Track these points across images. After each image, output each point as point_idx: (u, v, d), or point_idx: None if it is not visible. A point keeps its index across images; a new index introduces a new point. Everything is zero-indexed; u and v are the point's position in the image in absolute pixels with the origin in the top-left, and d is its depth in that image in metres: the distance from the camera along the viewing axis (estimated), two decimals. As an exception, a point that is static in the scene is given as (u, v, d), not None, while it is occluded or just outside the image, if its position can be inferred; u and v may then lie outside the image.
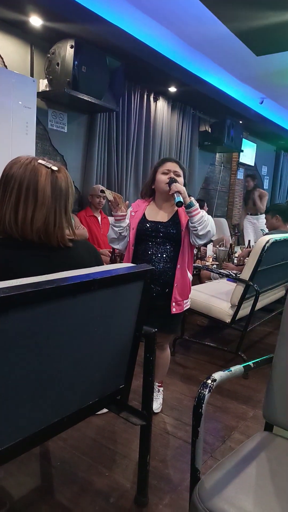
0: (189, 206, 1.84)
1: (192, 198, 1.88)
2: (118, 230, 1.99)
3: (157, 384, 2.18)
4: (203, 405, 0.94)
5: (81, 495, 1.51)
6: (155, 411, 2.10)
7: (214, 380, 0.98)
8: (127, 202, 2.04)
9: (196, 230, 1.87)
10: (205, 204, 4.94)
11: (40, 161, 1.17)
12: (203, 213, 1.89)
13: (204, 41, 3.88)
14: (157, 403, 2.14)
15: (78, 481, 1.58)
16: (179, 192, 1.83)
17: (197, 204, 1.89)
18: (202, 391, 0.96)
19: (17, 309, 0.93)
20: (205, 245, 4.12)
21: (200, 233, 1.88)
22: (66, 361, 1.15)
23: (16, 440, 1.09)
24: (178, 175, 1.95)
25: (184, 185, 1.97)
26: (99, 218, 3.88)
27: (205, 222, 1.87)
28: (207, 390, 0.96)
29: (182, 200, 1.81)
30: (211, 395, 2.34)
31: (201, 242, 1.97)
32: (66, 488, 1.54)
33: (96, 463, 1.70)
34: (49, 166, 1.16)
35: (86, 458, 1.72)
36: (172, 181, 1.88)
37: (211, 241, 4.28)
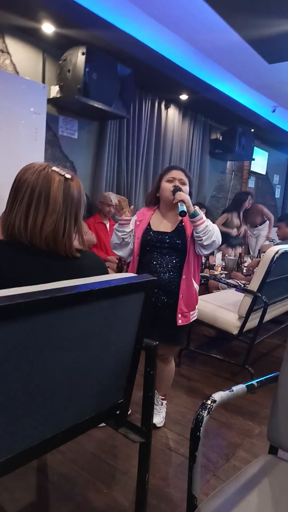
0: (193, 215, 1.80)
1: (197, 207, 1.83)
2: (121, 235, 1.94)
3: (160, 397, 2.12)
4: (201, 428, 0.88)
5: (77, 513, 1.46)
6: (158, 425, 2.04)
7: (214, 401, 0.93)
8: (132, 206, 2.00)
9: (200, 240, 1.82)
10: (204, 210, 4.86)
11: (54, 168, 1.16)
12: (208, 222, 1.84)
13: (215, 48, 3.85)
14: (160, 417, 2.08)
15: (75, 498, 1.53)
16: (183, 201, 1.78)
17: (202, 214, 1.84)
18: (201, 412, 0.90)
19: (8, 320, 0.89)
20: (212, 254, 4.05)
21: (205, 243, 1.83)
22: (61, 374, 1.11)
23: (7, 456, 1.04)
24: (183, 183, 1.91)
25: (190, 194, 1.92)
26: (108, 225, 3.85)
27: (210, 232, 1.82)
28: (206, 411, 0.90)
29: (185, 209, 1.77)
30: (216, 409, 2.27)
31: (206, 252, 1.92)
32: (62, 505, 1.49)
33: (95, 479, 1.64)
34: (62, 173, 1.15)
35: (85, 474, 1.67)
36: (176, 189, 1.84)
37: (219, 250, 4.22)
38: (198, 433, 0.87)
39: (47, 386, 1.08)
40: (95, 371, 1.23)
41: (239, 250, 5.38)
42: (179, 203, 1.78)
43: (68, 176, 1.16)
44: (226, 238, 5.23)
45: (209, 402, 0.93)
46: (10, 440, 1.05)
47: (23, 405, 1.03)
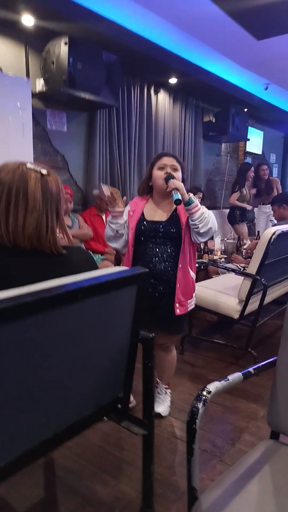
0: (188, 203, 1.77)
1: (191, 195, 1.80)
2: (115, 227, 1.92)
3: (164, 386, 2.13)
4: (196, 420, 0.87)
5: (85, 506, 1.48)
6: (163, 415, 2.05)
7: (209, 392, 0.92)
8: (125, 198, 1.97)
9: (197, 228, 1.80)
10: (201, 194, 4.82)
11: (28, 165, 1.13)
12: (203, 209, 1.81)
13: (201, 28, 3.75)
14: (165, 406, 2.09)
15: (82, 491, 1.55)
16: (177, 189, 1.75)
17: (197, 201, 1.81)
18: (196, 404, 0.90)
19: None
20: (211, 238, 4.03)
21: (201, 231, 1.80)
22: (58, 373, 1.11)
23: (10, 458, 1.05)
24: (175, 169, 1.87)
25: (183, 181, 1.89)
26: (104, 217, 3.82)
27: (206, 219, 1.80)
28: (202, 403, 0.89)
29: (180, 197, 1.74)
30: (219, 394, 2.27)
31: (203, 240, 1.89)
32: (69, 499, 1.51)
33: (101, 471, 1.66)
34: (38, 169, 1.13)
35: (91, 466, 1.68)
36: (169, 177, 1.81)
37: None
38: (194, 425, 0.87)
39: (44, 386, 1.07)
40: (93, 367, 1.23)
41: (246, 228, 5.38)
42: (173, 191, 1.75)
43: (44, 171, 1.13)
44: (244, 214, 5.28)
45: (204, 393, 0.92)
46: (13, 441, 1.05)
47: (22, 406, 1.03)
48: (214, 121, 5.60)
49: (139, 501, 1.48)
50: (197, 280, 2.90)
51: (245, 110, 5.71)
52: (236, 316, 2.64)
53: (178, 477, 1.64)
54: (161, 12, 3.51)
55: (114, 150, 4.26)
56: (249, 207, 5.30)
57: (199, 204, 1.80)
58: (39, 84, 3.45)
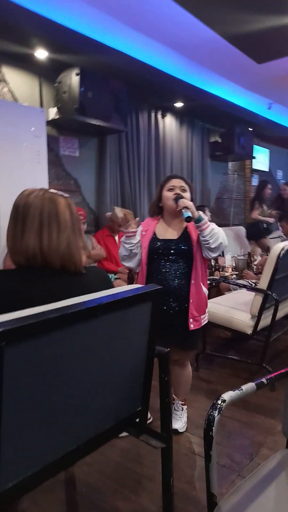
0: (198, 220, 1.84)
1: (200, 212, 1.87)
2: (129, 247, 2.00)
3: (180, 402, 2.15)
4: (213, 427, 0.92)
5: (107, 521, 1.50)
6: (180, 431, 2.07)
7: (224, 401, 0.97)
8: (137, 218, 2.06)
9: (208, 244, 1.87)
10: (206, 210, 4.89)
11: (52, 190, 1.23)
12: (213, 225, 1.88)
13: (203, 52, 3.90)
14: (182, 422, 2.11)
15: (104, 507, 1.57)
16: (186, 207, 1.83)
17: (206, 218, 1.89)
18: (212, 413, 0.94)
19: (21, 341, 0.94)
20: (221, 255, 4.08)
21: (212, 246, 1.87)
22: (77, 387, 1.16)
23: (33, 471, 1.09)
24: (184, 190, 1.96)
25: (192, 201, 1.97)
26: (116, 238, 3.92)
27: (216, 234, 1.87)
28: (217, 411, 0.94)
29: (190, 215, 1.81)
30: (236, 410, 2.27)
31: (214, 255, 1.96)
32: (91, 514, 1.54)
33: (122, 487, 1.68)
34: (60, 194, 1.23)
35: (112, 483, 1.71)
36: (178, 197, 1.89)
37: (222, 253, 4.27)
38: (210, 433, 0.91)
39: (64, 400, 1.13)
40: (110, 382, 1.28)
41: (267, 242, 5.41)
42: (183, 210, 1.83)
43: (66, 195, 1.24)
44: (268, 227, 5.35)
45: (219, 402, 0.97)
46: (36, 454, 1.10)
47: (44, 419, 1.08)
48: (220, 141, 5.73)
49: (159, 516, 1.50)
50: (209, 297, 2.94)
51: (250, 129, 5.84)
52: (249, 331, 2.67)
53: (198, 491, 1.65)
54: (164, 40, 3.69)
55: (124, 172, 4.39)
56: (271, 220, 5.38)
57: (208, 222, 1.88)
58: (52, 113, 3.63)
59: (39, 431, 1.07)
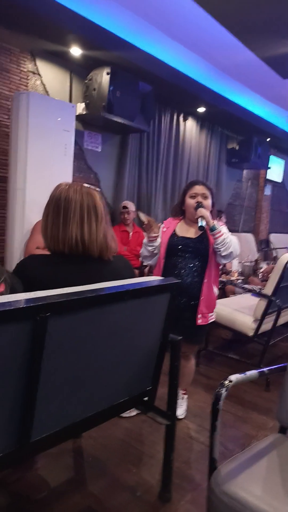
0: (212, 229, 1.99)
1: (215, 222, 2.02)
2: (151, 249, 2.17)
3: (181, 391, 2.31)
4: (220, 402, 1.07)
5: (111, 487, 1.66)
6: (179, 417, 2.23)
7: (231, 381, 1.12)
8: (160, 224, 2.22)
9: (219, 251, 2.02)
10: (223, 216, 5.01)
11: (85, 185, 1.39)
12: (225, 235, 2.02)
13: (231, 65, 4.06)
14: (182, 409, 2.27)
15: (108, 476, 1.73)
16: (202, 216, 1.98)
17: (220, 227, 2.03)
18: (220, 390, 1.10)
19: (63, 314, 1.10)
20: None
21: (222, 254, 2.02)
22: (100, 361, 1.32)
23: (58, 428, 1.25)
24: (206, 197, 2.10)
25: (213, 205, 2.12)
26: (130, 233, 4.08)
27: (227, 244, 2.01)
28: (224, 389, 1.09)
29: (204, 225, 1.97)
30: (233, 405, 2.41)
31: (224, 261, 2.10)
32: (96, 481, 1.70)
33: (124, 461, 1.84)
34: (94, 188, 1.38)
35: (115, 456, 1.87)
36: (198, 206, 2.04)
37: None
38: (217, 406, 1.07)
39: (89, 371, 1.29)
40: (128, 360, 1.43)
41: None
42: (199, 218, 1.98)
43: (97, 189, 1.40)
44: None
45: (226, 382, 1.12)
46: (59, 416, 1.26)
47: (70, 386, 1.24)
48: (237, 148, 5.86)
49: (158, 487, 1.66)
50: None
51: (268, 139, 5.96)
52: (250, 333, 2.82)
53: (193, 471, 1.81)
54: (195, 49, 3.84)
55: (142, 171, 4.55)
56: None
57: (222, 231, 2.02)
58: (80, 108, 3.78)
59: (66, 394, 1.23)
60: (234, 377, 1.13)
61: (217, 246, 2.01)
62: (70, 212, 1.32)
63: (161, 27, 3.47)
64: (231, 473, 1.03)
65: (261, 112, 5.31)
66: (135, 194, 4.54)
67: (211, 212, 2.08)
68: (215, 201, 2.18)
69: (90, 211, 1.33)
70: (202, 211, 2.01)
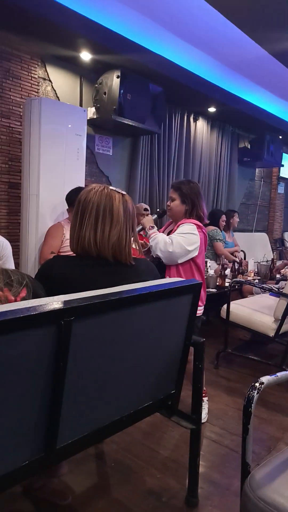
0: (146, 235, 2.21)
1: (150, 229, 2.21)
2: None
3: (202, 394, 2.27)
4: (252, 404, 1.04)
5: (135, 493, 1.63)
6: (202, 421, 2.19)
7: (262, 383, 1.08)
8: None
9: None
10: (236, 215, 4.93)
11: (111, 187, 1.36)
12: (155, 241, 2.13)
13: (242, 63, 4.02)
14: (203, 412, 2.22)
15: (132, 481, 1.70)
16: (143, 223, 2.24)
17: (150, 233, 2.18)
18: (251, 392, 1.06)
19: (86, 317, 1.08)
20: (244, 258, 4.16)
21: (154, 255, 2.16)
22: (125, 364, 1.29)
23: (83, 434, 1.23)
24: (173, 199, 2.21)
25: (184, 202, 2.18)
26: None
27: (153, 247, 2.14)
28: (256, 391, 1.06)
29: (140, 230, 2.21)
30: (256, 407, 2.37)
31: (165, 262, 2.13)
32: (121, 486, 1.67)
33: (148, 465, 1.81)
34: (119, 191, 1.35)
35: (138, 461, 1.84)
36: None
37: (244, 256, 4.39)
38: (249, 409, 1.03)
39: (113, 374, 1.26)
40: (151, 363, 1.41)
41: None
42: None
43: (123, 192, 1.37)
44: None
45: (257, 384, 1.08)
46: (86, 420, 1.24)
47: (95, 390, 1.22)
48: (249, 147, 5.81)
49: (184, 492, 1.62)
50: (232, 299, 3.06)
51: (280, 137, 5.89)
52: (271, 334, 2.76)
53: (219, 475, 1.77)
54: (204, 48, 3.81)
55: (154, 173, 4.52)
56: None
57: (152, 236, 2.15)
58: (90, 112, 3.78)
59: (91, 399, 1.21)
60: (265, 379, 1.09)
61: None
62: (87, 213, 1.31)
63: (169, 27, 3.45)
64: (266, 477, 1.00)
65: (273, 109, 5.25)
66: (147, 197, 4.53)
67: (186, 210, 2.17)
68: (188, 199, 2.19)
69: (105, 214, 1.30)
70: (143, 220, 2.25)
